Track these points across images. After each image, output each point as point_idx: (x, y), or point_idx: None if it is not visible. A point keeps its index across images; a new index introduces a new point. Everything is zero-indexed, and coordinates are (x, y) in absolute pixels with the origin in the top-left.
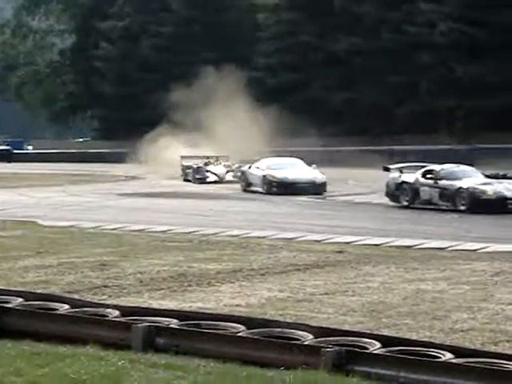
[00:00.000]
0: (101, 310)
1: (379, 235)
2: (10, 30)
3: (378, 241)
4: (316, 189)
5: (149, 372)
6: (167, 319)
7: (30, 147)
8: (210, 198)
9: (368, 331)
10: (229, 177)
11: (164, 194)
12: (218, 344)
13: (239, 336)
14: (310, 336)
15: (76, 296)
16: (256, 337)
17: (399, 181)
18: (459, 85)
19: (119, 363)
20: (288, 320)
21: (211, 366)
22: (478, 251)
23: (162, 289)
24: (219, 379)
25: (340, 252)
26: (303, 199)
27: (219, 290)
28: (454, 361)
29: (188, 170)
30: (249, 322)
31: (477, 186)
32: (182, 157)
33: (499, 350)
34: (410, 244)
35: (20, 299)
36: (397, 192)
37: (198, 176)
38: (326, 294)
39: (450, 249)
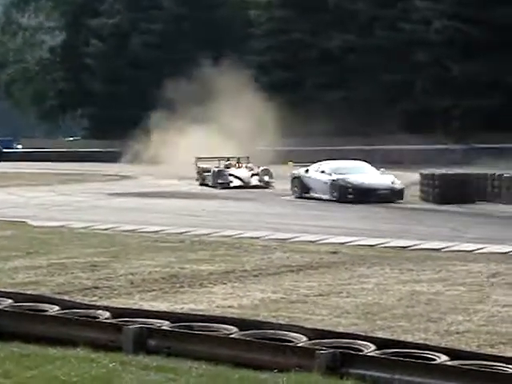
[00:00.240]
0: (91, 312)
1: (374, 236)
2: None
3: (372, 241)
4: (395, 195)
5: (140, 374)
6: (159, 321)
7: (19, 146)
8: (202, 198)
9: (363, 333)
10: (255, 181)
11: (156, 194)
12: (210, 346)
13: (232, 338)
14: (304, 338)
15: (66, 297)
16: (249, 339)
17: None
18: (455, 84)
19: (110, 365)
20: (281, 322)
21: (203, 368)
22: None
23: (154, 290)
24: (211, 381)
25: (334, 253)
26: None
27: (211, 292)
28: (449, 363)
29: (206, 174)
30: (241, 324)
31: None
32: (198, 158)
33: (495, 352)
34: (405, 245)
35: (9, 300)
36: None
37: (220, 180)
38: (320, 295)
39: (446, 250)
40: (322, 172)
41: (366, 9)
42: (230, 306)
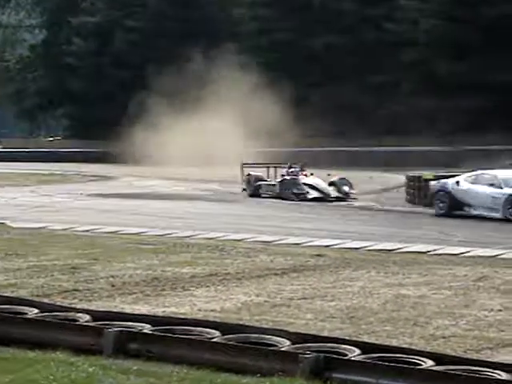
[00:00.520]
0: (71, 315)
1: (360, 239)
2: None
3: (357, 244)
4: None
5: (120, 378)
6: (140, 324)
7: None
8: (185, 199)
9: (347, 337)
10: (334, 192)
11: (140, 196)
12: (192, 350)
13: (213, 342)
14: (288, 342)
15: (46, 300)
16: (231, 343)
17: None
18: (442, 84)
19: (90, 369)
20: (265, 326)
21: (185, 373)
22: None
23: (135, 293)
24: None
25: (319, 256)
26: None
27: (194, 295)
28: (434, 368)
29: (261, 182)
30: (224, 328)
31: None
32: (244, 164)
33: (482, 357)
34: (391, 248)
35: None
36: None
37: (295, 190)
38: (304, 298)
39: (432, 253)
40: (491, 185)
41: (352, 9)
42: (212, 310)
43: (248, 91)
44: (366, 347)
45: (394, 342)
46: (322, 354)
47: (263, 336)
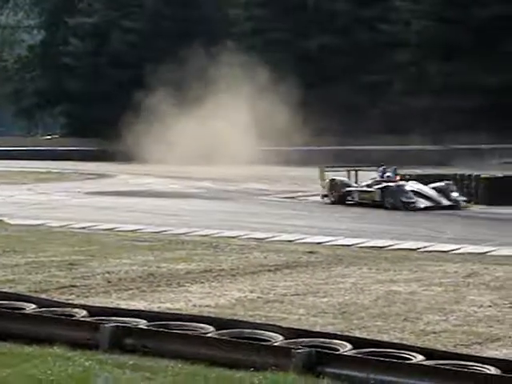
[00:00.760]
0: (68, 310)
1: (352, 236)
2: None
3: (349, 241)
4: None
5: (116, 372)
6: (136, 319)
7: None
8: (181, 197)
9: (339, 333)
10: (445, 200)
11: (135, 193)
12: (187, 345)
13: (208, 337)
14: (281, 337)
15: (43, 295)
16: (224, 338)
17: None
18: (433, 84)
19: (87, 364)
20: (258, 321)
21: (179, 367)
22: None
23: (131, 289)
24: (188, 380)
25: (311, 252)
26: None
27: (189, 291)
28: (425, 363)
29: (351, 188)
30: (218, 323)
31: None
32: (325, 167)
33: (471, 352)
34: (382, 245)
35: None
36: None
37: (403, 199)
38: (297, 294)
39: (423, 250)
40: None
41: (346, 9)
42: (207, 305)
43: (246, 90)
44: (357, 342)
45: (385, 337)
46: (314, 349)
47: (257, 331)
